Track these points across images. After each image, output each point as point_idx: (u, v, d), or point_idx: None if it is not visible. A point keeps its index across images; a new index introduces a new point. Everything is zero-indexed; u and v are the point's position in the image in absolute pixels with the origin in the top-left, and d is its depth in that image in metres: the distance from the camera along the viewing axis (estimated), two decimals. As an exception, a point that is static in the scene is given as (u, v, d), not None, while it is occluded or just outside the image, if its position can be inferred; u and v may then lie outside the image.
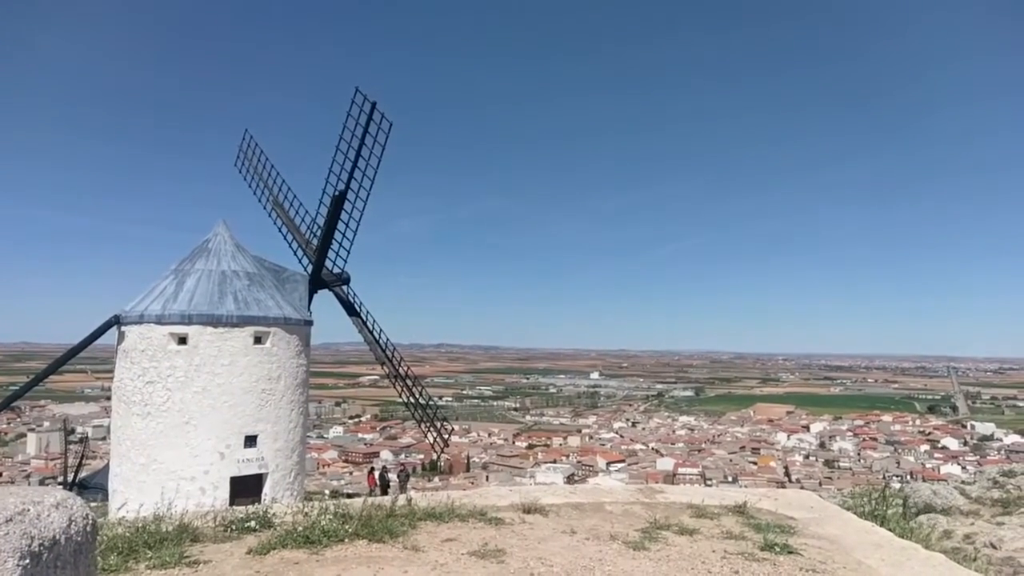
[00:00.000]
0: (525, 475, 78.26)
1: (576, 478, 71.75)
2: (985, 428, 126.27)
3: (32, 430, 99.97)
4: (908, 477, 67.99)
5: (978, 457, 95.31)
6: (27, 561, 1.79)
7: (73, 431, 55.22)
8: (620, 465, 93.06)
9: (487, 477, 79.89)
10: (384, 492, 21.43)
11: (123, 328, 16.73)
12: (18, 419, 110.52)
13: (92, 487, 18.48)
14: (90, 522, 2.13)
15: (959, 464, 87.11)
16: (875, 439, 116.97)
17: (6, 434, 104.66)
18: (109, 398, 17.89)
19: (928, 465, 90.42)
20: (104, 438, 51.04)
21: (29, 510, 1.87)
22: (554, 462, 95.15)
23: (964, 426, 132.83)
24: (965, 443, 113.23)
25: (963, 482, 10.03)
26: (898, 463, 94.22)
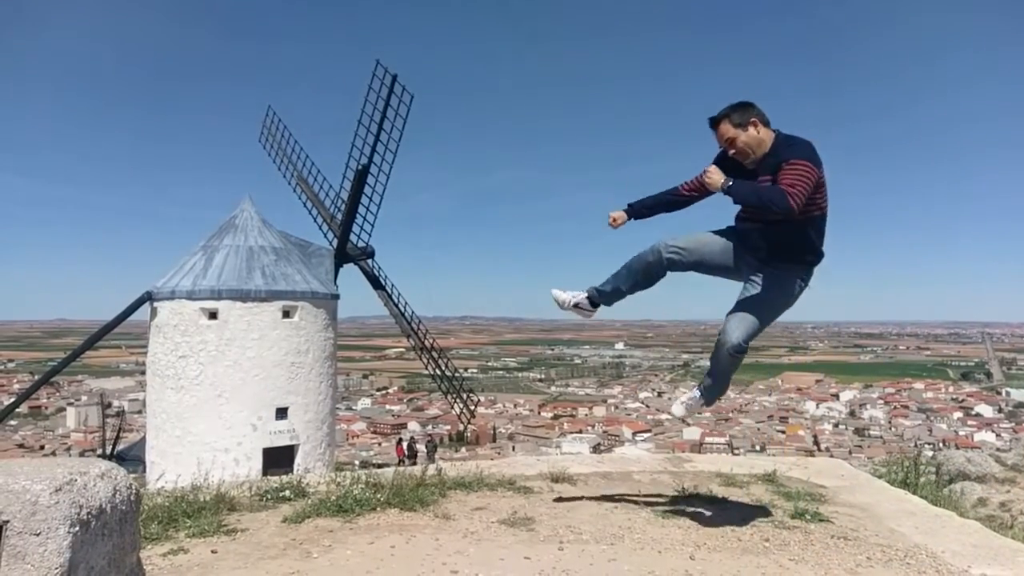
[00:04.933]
0: (551, 445, 78.76)
1: (602, 448, 72.06)
2: (1021, 395, 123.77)
3: (71, 404, 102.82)
4: (941, 445, 67.11)
5: (1013, 424, 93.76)
6: (77, 528, 1.84)
7: (110, 405, 56.70)
8: (646, 435, 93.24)
9: (513, 447, 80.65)
10: (412, 462, 21.76)
11: (155, 304, 17.07)
12: (57, 393, 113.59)
13: (130, 459, 19.03)
14: (134, 492, 2.19)
15: (993, 431, 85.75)
16: (906, 407, 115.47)
17: (46, 408, 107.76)
18: (144, 372, 18.33)
19: (961, 433, 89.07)
20: (140, 411, 52.40)
21: (76, 480, 1.93)
22: (580, 432, 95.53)
23: (999, 393, 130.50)
24: (1000, 410, 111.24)
25: (998, 449, 9.90)
26: (930, 431, 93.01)
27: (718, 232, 4.06)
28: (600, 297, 4.22)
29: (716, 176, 3.70)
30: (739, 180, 3.66)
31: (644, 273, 4.07)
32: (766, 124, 3.72)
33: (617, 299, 4.25)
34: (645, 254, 4.04)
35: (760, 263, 3.93)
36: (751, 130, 3.67)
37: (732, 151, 3.75)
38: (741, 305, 3.95)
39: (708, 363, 4.19)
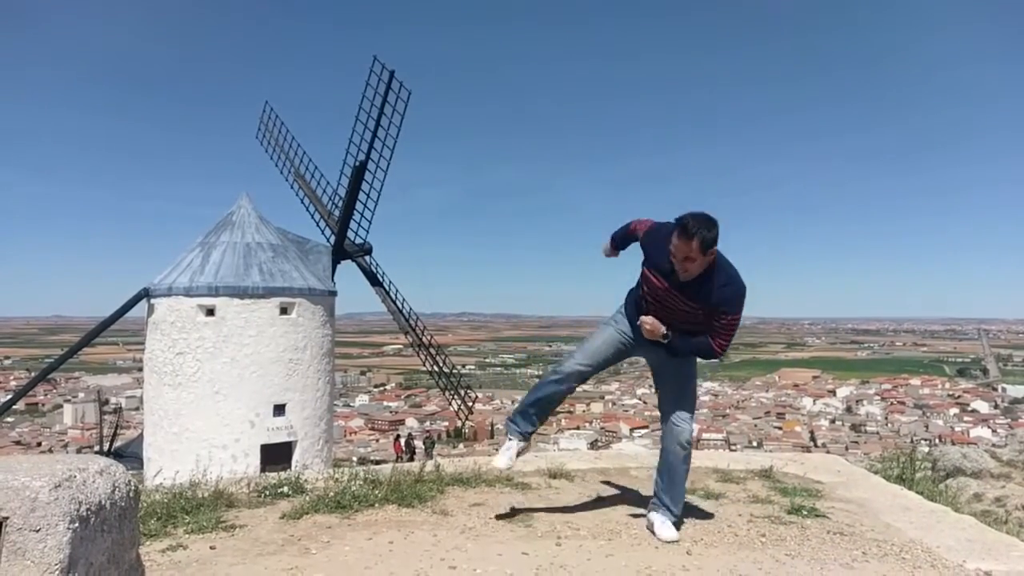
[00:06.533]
0: (548, 441, 78.92)
1: (599, 444, 72.22)
2: (1016, 391, 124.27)
3: (68, 401, 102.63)
4: (937, 441, 67.29)
5: (1009, 420, 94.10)
6: (76, 525, 1.85)
7: (107, 402, 56.61)
8: (643, 431, 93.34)
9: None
10: (411, 458, 21.78)
11: (152, 301, 17.05)
12: (54, 390, 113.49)
13: (127, 456, 19.02)
14: (132, 488, 2.20)
15: (989, 427, 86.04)
16: (903, 403, 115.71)
17: (43, 405, 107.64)
18: (141, 369, 18.29)
19: (957, 429, 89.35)
20: (137, 408, 52.33)
21: (76, 476, 1.93)
22: (577, 428, 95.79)
23: (995, 389, 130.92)
24: (996, 406, 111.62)
25: (994, 445, 9.94)
26: (927, 427, 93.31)
27: (610, 327, 4.22)
28: (528, 435, 4.38)
29: (657, 329, 3.79)
30: (676, 334, 3.81)
31: (558, 399, 4.33)
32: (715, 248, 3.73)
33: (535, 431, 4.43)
34: (551, 382, 4.28)
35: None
36: (707, 258, 3.62)
37: (679, 266, 3.66)
38: (669, 391, 4.11)
39: (657, 475, 4.19)
